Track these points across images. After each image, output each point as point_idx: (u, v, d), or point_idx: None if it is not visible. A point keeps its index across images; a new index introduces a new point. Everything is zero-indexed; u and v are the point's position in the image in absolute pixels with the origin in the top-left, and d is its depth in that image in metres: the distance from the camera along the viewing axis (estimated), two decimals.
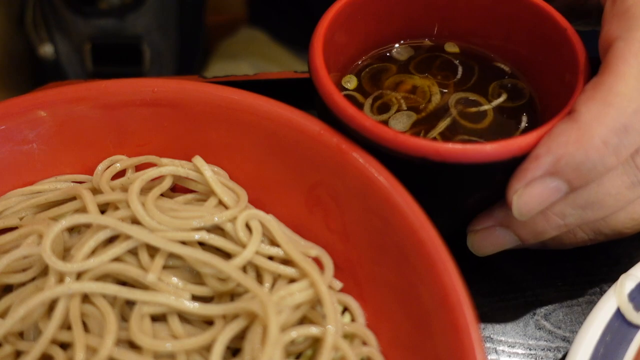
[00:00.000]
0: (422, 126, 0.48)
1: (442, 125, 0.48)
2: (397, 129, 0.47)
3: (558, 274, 0.50)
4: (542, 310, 0.49)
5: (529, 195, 0.41)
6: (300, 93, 0.51)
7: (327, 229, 0.46)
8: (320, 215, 0.46)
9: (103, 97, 0.47)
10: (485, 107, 0.49)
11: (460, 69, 0.51)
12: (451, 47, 0.53)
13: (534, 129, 0.41)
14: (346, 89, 0.50)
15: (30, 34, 0.99)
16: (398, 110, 0.49)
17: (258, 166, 0.47)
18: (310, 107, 0.46)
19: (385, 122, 0.48)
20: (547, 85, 0.48)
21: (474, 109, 0.49)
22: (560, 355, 0.47)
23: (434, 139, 0.47)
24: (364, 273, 0.44)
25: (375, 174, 0.42)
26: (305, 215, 0.46)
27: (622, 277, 0.44)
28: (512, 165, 0.41)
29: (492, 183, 0.43)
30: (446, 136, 0.47)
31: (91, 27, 0.95)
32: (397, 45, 0.53)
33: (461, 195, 0.46)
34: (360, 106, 0.49)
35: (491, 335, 0.48)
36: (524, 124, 0.48)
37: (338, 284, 0.45)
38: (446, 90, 0.50)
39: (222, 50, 1.05)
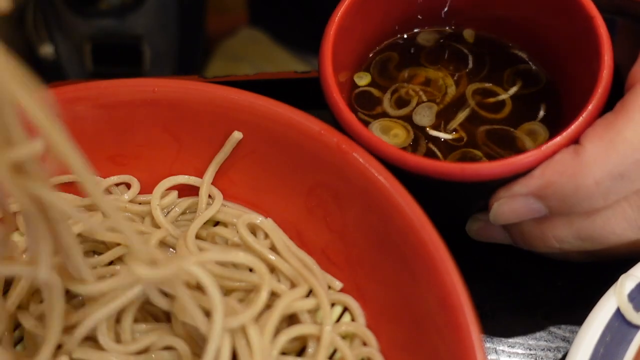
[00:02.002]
0: (441, 118, 0.48)
1: (462, 116, 0.48)
2: (423, 123, 0.48)
3: (558, 274, 0.50)
4: (542, 310, 0.49)
5: (508, 207, 0.42)
6: (300, 93, 0.51)
7: (327, 229, 0.46)
8: (320, 215, 0.46)
9: (103, 97, 0.47)
10: (503, 96, 0.49)
11: (470, 59, 0.51)
12: (468, 35, 0.52)
13: (540, 145, 0.41)
14: (359, 86, 0.50)
15: (30, 34, 0.99)
16: (418, 104, 0.49)
17: (258, 166, 0.47)
18: (310, 107, 0.46)
19: (409, 117, 0.48)
20: (570, 71, 0.48)
21: (492, 99, 0.49)
22: (560, 355, 0.47)
23: (454, 130, 0.47)
24: (364, 273, 0.44)
25: (375, 174, 0.42)
26: (305, 215, 0.46)
27: (622, 277, 0.44)
28: (513, 180, 0.42)
29: (493, 195, 0.44)
30: (466, 127, 0.47)
31: (91, 27, 0.95)
32: (416, 29, 0.53)
33: (461, 204, 0.47)
34: (376, 101, 0.49)
35: (491, 335, 0.48)
36: (542, 112, 0.48)
37: (338, 284, 0.45)
38: (460, 81, 0.50)
39: (222, 51, 1.04)
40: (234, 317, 0.38)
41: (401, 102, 0.49)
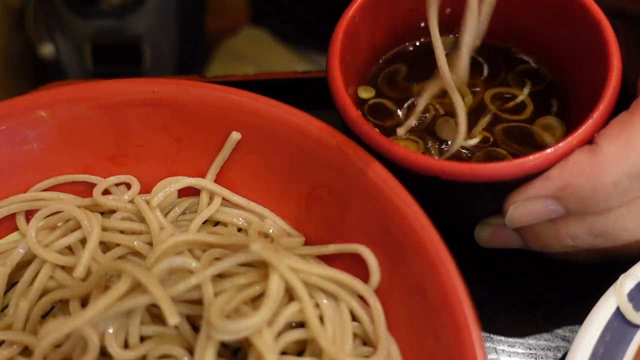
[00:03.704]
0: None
1: (484, 121, 0.47)
2: (446, 137, 0.47)
3: (558, 274, 0.50)
4: (542, 310, 0.49)
5: (525, 210, 0.42)
6: (301, 93, 0.50)
7: (327, 229, 0.46)
8: (320, 215, 0.46)
9: (103, 97, 0.47)
10: (521, 97, 0.48)
11: (485, 67, 0.51)
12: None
13: (552, 145, 0.41)
14: (363, 99, 0.49)
15: (30, 34, 0.99)
16: (436, 117, 0.48)
17: (258, 166, 0.47)
18: (310, 107, 0.46)
19: (431, 131, 0.48)
20: (577, 73, 0.47)
21: (512, 103, 0.48)
22: (560, 355, 0.47)
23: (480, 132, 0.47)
24: (364, 273, 0.44)
25: (375, 174, 0.42)
26: (305, 215, 0.46)
27: (622, 276, 0.44)
28: (525, 181, 0.42)
29: (505, 196, 0.43)
30: (490, 130, 0.47)
31: (91, 27, 0.95)
32: (422, 39, 0.52)
33: (472, 207, 0.47)
34: (390, 113, 0.49)
35: (491, 335, 0.48)
36: (555, 108, 0.48)
37: None
38: (477, 89, 0.49)
39: (223, 50, 1.05)
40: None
41: (419, 116, 0.49)
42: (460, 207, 0.48)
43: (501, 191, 0.43)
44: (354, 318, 0.43)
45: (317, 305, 0.42)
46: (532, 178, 0.42)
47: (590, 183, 0.40)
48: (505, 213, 0.43)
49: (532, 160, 0.41)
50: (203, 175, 0.48)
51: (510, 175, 0.41)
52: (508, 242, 0.46)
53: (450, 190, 0.43)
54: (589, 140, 0.41)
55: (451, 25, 0.51)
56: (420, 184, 0.41)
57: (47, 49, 0.98)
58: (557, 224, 0.43)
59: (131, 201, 0.47)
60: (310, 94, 0.47)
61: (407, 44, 0.52)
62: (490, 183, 0.41)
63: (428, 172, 0.41)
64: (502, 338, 0.48)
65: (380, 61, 0.51)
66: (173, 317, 0.37)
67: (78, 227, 0.45)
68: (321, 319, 0.42)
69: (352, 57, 0.47)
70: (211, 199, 0.48)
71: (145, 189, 0.48)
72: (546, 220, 0.43)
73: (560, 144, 0.41)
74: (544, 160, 0.41)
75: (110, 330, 0.39)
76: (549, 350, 0.48)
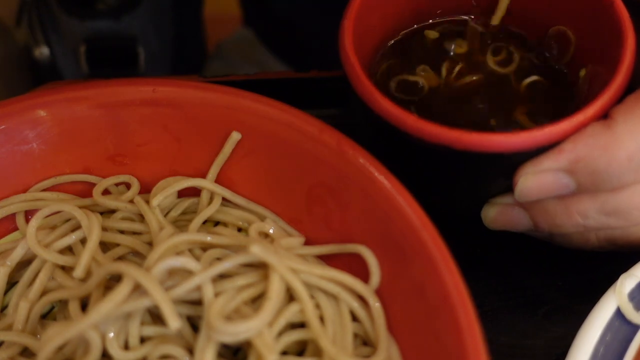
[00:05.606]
0: None
1: None
2: None
3: (558, 273, 0.50)
4: (542, 310, 0.49)
5: (536, 182, 0.41)
6: (300, 93, 0.50)
7: (327, 229, 0.46)
8: (320, 215, 0.46)
9: (103, 97, 0.47)
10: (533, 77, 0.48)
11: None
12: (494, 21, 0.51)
13: (565, 118, 0.40)
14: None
15: (26, 35, 0.99)
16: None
17: (257, 166, 0.48)
18: (310, 107, 0.46)
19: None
20: (590, 55, 0.47)
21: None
22: (560, 355, 0.47)
23: None
24: (364, 273, 0.44)
25: (375, 174, 0.42)
26: (305, 215, 0.47)
27: (622, 276, 0.44)
28: (537, 154, 0.41)
29: (515, 172, 0.43)
30: None
31: (86, 29, 0.95)
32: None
33: (480, 182, 0.46)
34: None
35: (491, 335, 0.48)
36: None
37: None
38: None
39: (220, 52, 1.04)
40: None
41: None
42: (469, 185, 0.47)
43: (512, 164, 0.42)
44: (354, 318, 0.43)
45: (317, 306, 0.42)
46: (544, 150, 0.41)
47: (605, 156, 0.40)
48: (516, 185, 0.42)
49: (546, 131, 0.40)
50: (203, 175, 0.48)
51: (522, 145, 0.40)
52: (516, 221, 0.45)
53: (461, 162, 0.42)
54: (604, 114, 0.41)
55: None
56: (431, 158, 0.41)
57: (42, 51, 0.98)
58: (568, 200, 0.43)
59: (131, 201, 0.47)
60: (310, 94, 0.47)
61: (415, 26, 0.51)
62: (502, 154, 0.40)
63: (440, 140, 0.40)
64: (502, 338, 0.48)
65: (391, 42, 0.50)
66: (174, 320, 0.36)
67: (78, 227, 0.45)
68: (321, 319, 0.42)
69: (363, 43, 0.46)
70: (211, 199, 0.48)
71: (145, 189, 0.48)
72: (556, 197, 0.42)
73: (575, 117, 0.40)
74: (558, 131, 0.40)
75: (111, 334, 0.39)
76: (549, 350, 0.48)
